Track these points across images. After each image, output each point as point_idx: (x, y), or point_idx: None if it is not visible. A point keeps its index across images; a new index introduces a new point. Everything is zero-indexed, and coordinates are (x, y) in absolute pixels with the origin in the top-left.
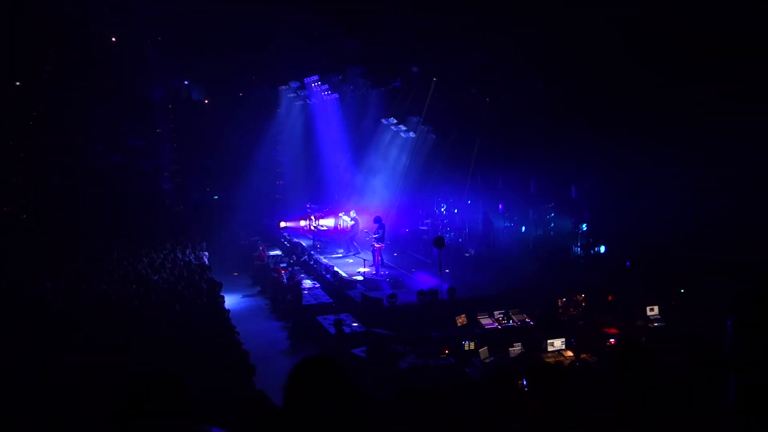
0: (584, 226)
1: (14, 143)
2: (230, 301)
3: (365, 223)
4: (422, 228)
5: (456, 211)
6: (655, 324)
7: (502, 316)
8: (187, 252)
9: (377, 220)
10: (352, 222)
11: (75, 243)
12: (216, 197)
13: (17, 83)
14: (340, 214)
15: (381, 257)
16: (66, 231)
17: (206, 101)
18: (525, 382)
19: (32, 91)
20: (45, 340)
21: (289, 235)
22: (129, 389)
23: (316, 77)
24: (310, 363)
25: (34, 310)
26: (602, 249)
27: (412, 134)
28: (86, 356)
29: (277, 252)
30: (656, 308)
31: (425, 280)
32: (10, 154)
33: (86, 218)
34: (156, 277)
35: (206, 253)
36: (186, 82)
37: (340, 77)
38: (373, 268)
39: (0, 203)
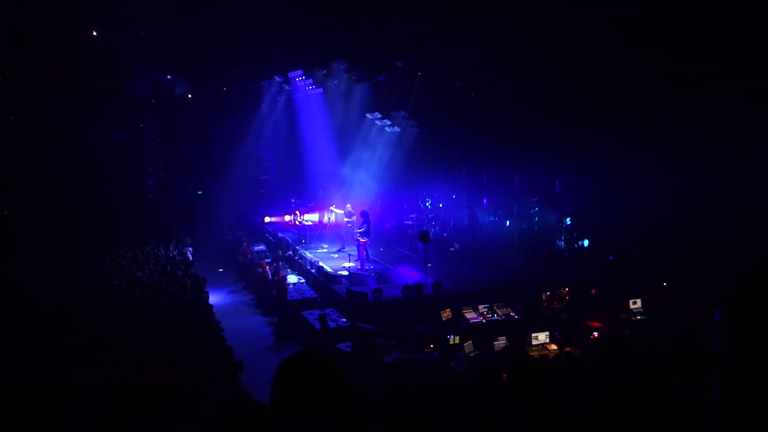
0: (568, 221)
1: None
2: (215, 297)
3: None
4: (407, 222)
5: (441, 205)
6: (638, 317)
7: (486, 310)
8: (171, 248)
9: (363, 214)
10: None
11: (57, 239)
12: (200, 192)
13: None
14: (332, 207)
15: (366, 252)
16: (48, 227)
17: (189, 96)
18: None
19: (13, 85)
20: (28, 337)
21: (273, 230)
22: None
23: (300, 72)
24: (300, 358)
25: (16, 306)
26: (586, 243)
27: (396, 129)
28: (69, 352)
29: (262, 247)
30: (639, 301)
31: (410, 275)
32: None
33: (69, 214)
34: (139, 273)
35: (190, 249)
36: (169, 77)
37: (324, 72)
38: (359, 262)
39: None
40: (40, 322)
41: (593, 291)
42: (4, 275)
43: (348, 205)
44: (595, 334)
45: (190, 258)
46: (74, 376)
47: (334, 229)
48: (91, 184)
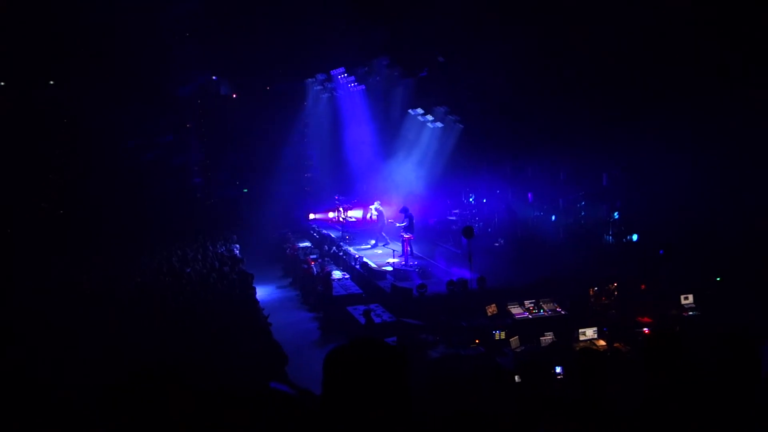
0: (616, 215)
1: (50, 141)
2: (263, 292)
3: (391, 213)
4: (450, 218)
5: (485, 200)
6: (690, 313)
7: (532, 305)
8: (219, 245)
9: (404, 210)
10: (377, 213)
11: (109, 237)
12: (245, 191)
13: (51, 82)
14: (370, 207)
15: (410, 248)
16: (100, 226)
17: (234, 96)
18: (559, 370)
19: (65, 89)
20: (82, 331)
21: (318, 227)
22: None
23: (342, 69)
24: (354, 344)
25: (71, 301)
26: (635, 237)
27: (439, 124)
28: (121, 346)
29: (307, 244)
30: (691, 297)
31: (454, 270)
32: (46, 152)
33: (119, 213)
34: (188, 270)
35: (237, 246)
36: (214, 78)
37: (366, 69)
38: (402, 258)
39: (37, 200)
40: (91, 317)
41: (642, 286)
42: (59, 272)
43: (376, 203)
44: (645, 330)
45: (238, 255)
46: (113, 367)
47: (374, 225)
48: (139, 183)
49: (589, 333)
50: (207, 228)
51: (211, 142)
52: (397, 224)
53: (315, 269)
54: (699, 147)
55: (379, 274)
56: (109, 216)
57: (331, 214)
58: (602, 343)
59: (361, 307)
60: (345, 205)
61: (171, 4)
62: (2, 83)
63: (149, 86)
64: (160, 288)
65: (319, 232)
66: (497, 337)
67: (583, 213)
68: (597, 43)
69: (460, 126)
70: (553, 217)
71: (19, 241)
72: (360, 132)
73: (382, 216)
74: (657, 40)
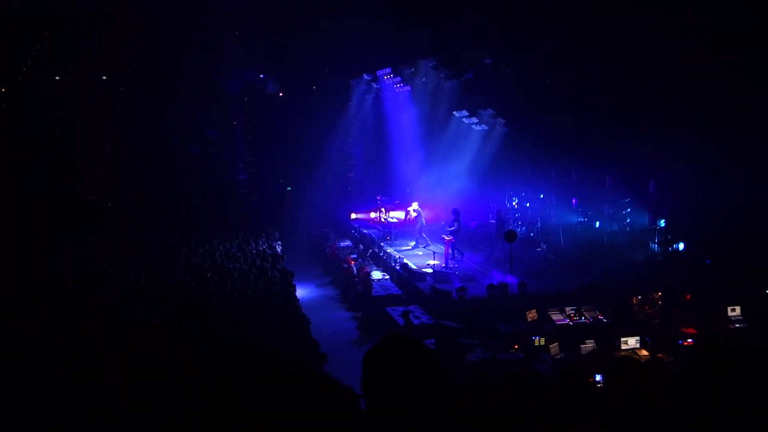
0: (662, 222)
1: (100, 134)
2: (303, 290)
3: (431, 215)
4: (492, 221)
5: (528, 204)
6: (737, 325)
7: (573, 312)
8: (261, 242)
9: (454, 212)
10: (415, 214)
11: (155, 230)
12: (289, 188)
13: (104, 77)
14: (409, 208)
15: (451, 250)
16: (146, 219)
17: (280, 94)
18: (599, 379)
19: (117, 84)
20: (127, 321)
21: (359, 227)
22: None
23: (388, 69)
24: (394, 341)
25: (117, 292)
26: (681, 246)
27: (484, 126)
28: (163, 338)
29: (347, 243)
30: (738, 309)
31: (495, 274)
32: (96, 145)
33: (165, 206)
34: (231, 266)
35: (279, 243)
36: (261, 75)
37: (412, 69)
38: (443, 260)
39: (87, 191)
40: (136, 311)
41: (688, 296)
42: (106, 265)
43: (414, 204)
44: (689, 340)
45: (279, 252)
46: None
47: (414, 226)
48: (185, 177)
49: (632, 342)
50: (250, 224)
51: (257, 138)
52: (448, 228)
53: (355, 269)
54: (750, 155)
55: (419, 275)
56: (155, 209)
57: (372, 215)
58: (644, 352)
59: (400, 308)
60: (387, 206)
61: (221, 1)
62: (57, 77)
63: (198, 82)
64: (202, 283)
65: (360, 232)
66: (536, 343)
67: (628, 220)
68: (646, 45)
69: (505, 129)
70: (598, 224)
71: (68, 232)
72: (404, 133)
73: (420, 217)
74: (710, 42)
